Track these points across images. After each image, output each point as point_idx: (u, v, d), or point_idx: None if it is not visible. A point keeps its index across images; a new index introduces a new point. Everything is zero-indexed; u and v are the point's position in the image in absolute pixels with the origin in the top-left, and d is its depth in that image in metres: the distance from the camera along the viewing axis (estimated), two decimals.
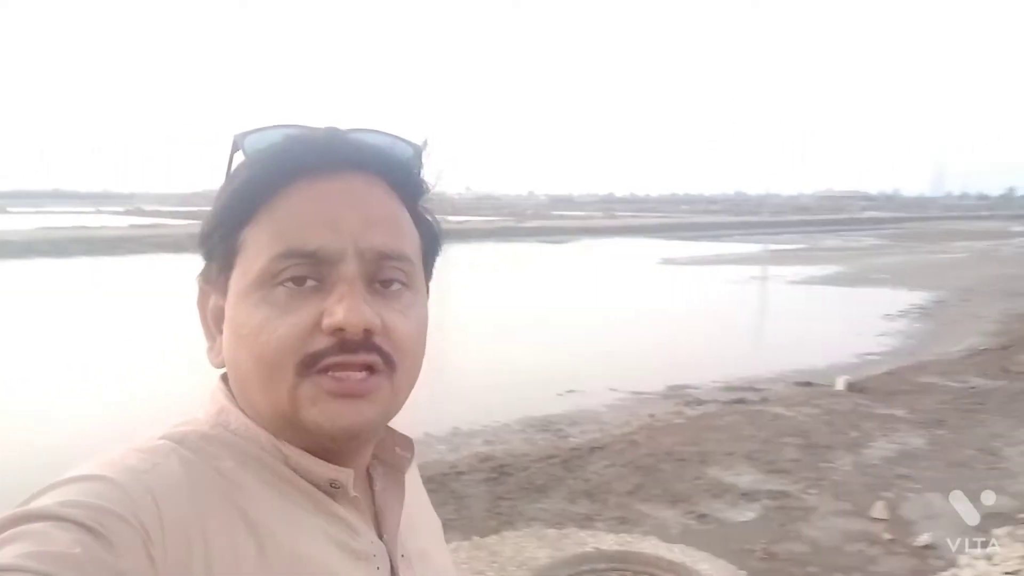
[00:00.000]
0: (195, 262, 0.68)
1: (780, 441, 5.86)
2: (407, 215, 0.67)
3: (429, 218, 0.70)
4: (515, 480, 5.05)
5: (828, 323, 13.88)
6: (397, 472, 0.72)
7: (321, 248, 0.60)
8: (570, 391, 8.32)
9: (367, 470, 0.71)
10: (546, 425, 7.05)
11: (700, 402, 7.71)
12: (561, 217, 59.58)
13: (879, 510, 4.54)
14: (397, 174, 0.67)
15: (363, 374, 0.60)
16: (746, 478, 5.11)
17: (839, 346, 11.20)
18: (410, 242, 0.66)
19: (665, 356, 10.70)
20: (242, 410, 0.64)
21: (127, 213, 60.19)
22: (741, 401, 7.57)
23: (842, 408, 6.89)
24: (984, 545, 4.04)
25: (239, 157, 0.66)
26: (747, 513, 4.57)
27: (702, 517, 4.47)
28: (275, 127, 0.65)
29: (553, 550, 3.89)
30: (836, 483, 5.03)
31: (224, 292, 0.64)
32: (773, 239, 38.37)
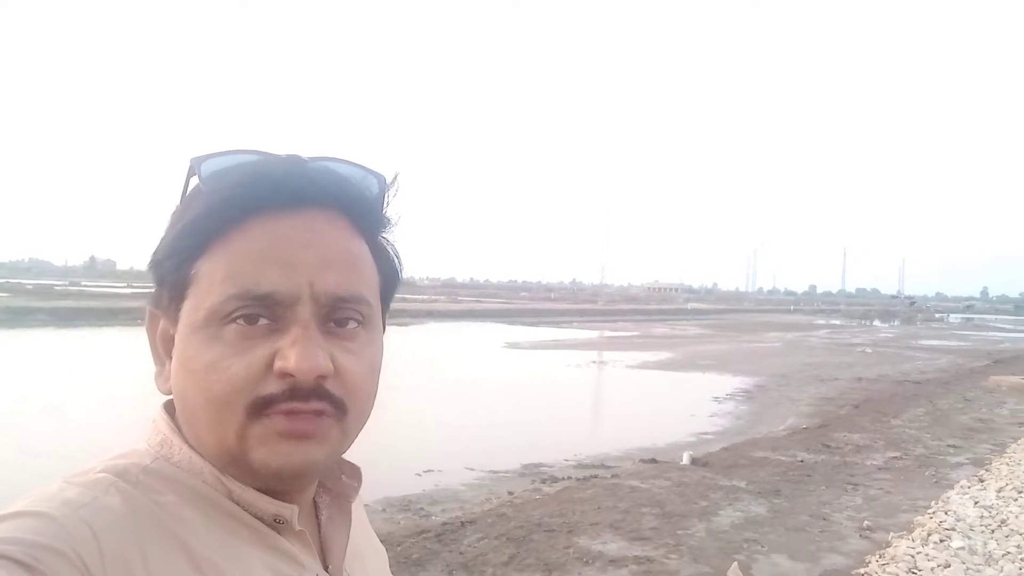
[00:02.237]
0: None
1: (639, 511, 6.15)
2: (366, 250, 0.66)
3: (390, 252, 0.69)
4: (390, 554, 4.98)
5: (665, 405, 14.69)
6: (344, 501, 0.72)
7: (275, 291, 0.59)
8: (428, 471, 8.32)
9: (313, 499, 0.71)
10: (407, 505, 7.00)
11: (556, 479, 7.91)
12: (404, 300, 59.49)
13: (734, 571, 4.86)
14: (357, 208, 0.65)
15: (313, 415, 0.59)
16: (612, 546, 5.33)
17: (677, 426, 11.86)
18: (368, 281, 0.65)
19: (517, 436, 10.90)
20: (185, 441, 0.62)
21: None
22: (594, 476, 7.85)
23: (690, 480, 7.33)
24: None
25: (195, 181, 0.63)
26: None
27: None
28: (233, 152, 0.63)
29: None
30: (693, 547, 5.35)
31: (174, 320, 0.62)
32: (609, 326, 40.21)
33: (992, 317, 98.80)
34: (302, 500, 0.66)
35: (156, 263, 0.63)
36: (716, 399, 14.91)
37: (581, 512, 6.04)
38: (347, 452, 0.67)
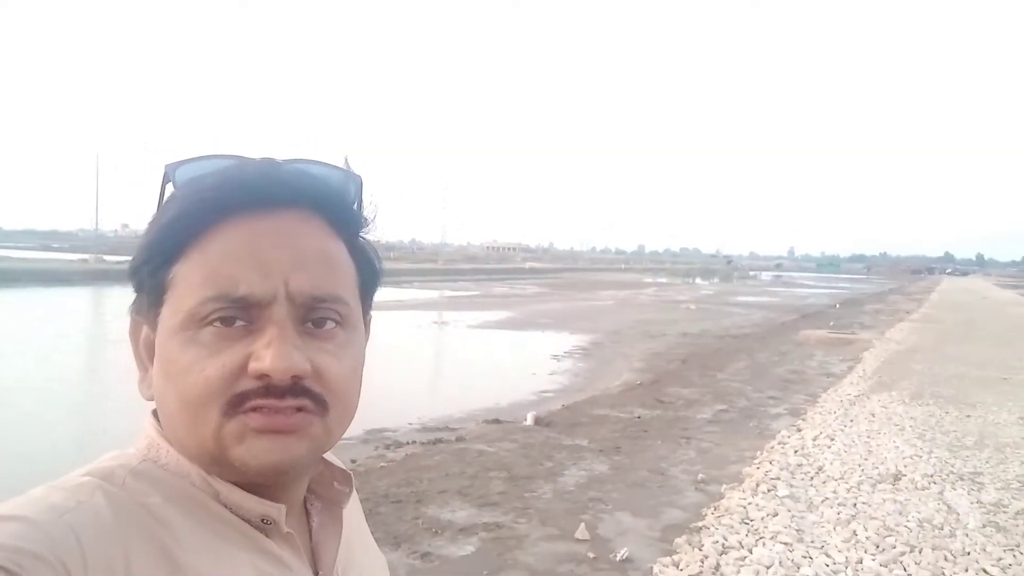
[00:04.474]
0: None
1: (487, 476, 6.13)
2: (344, 251, 0.65)
3: (368, 251, 0.69)
4: None
5: (506, 364, 14.88)
6: (335, 506, 0.71)
7: (250, 293, 0.58)
8: None
9: (305, 505, 0.70)
10: None
11: (400, 444, 7.77)
12: None
13: (581, 531, 4.94)
14: (333, 208, 0.65)
15: (292, 410, 0.59)
16: (461, 513, 5.26)
17: (519, 385, 12.04)
18: (345, 281, 0.64)
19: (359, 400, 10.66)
20: (172, 445, 0.62)
21: None
22: (439, 441, 7.77)
23: (535, 441, 7.41)
24: (670, 553, 4.61)
25: (171, 188, 0.63)
26: (467, 547, 4.70)
27: (425, 556, 4.51)
28: (207, 158, 0.64)
29: None
30: (541, 510, 5.38)
31: (155, 325, 0.62)
32: (449, 285, 40.27)
33: (798, 274, 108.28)
34: (290, 501, 0.65)
35: (134, 269, 0.63)
36: (555, 357, 15.27)
37: (428, 480, 5.94)
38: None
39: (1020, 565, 4.40)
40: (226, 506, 0.61)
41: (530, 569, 4.43)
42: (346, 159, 0.68)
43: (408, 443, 7.75)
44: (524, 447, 7.16)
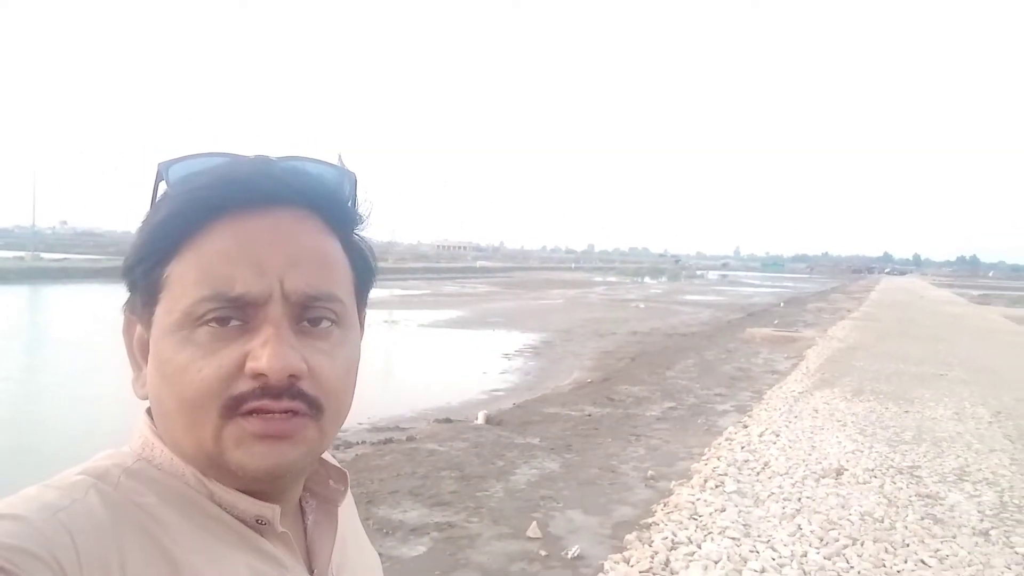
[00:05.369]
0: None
1: (439, 475, 6.10)
2: (339, 248, 0.65)
3: (363, 249, 0.69)
4: None
5: (457, 363, 14.84)
6: (330, 505, 0.71)
7: (246, 292, 0.58)
8: None
9: (300, 503, 0.70)
10: None
11: (350, 444, 7.69)
12: None
13: (533, 530, 4.95)
14: (328, 206, 0.65)
15: (288, 415, 0.59)
16: (413, 513, 5.23)
17: (470, 384, 12.03)
18: (340, 279, 0.64)
19: None
20: (167, 444, 0.62)
21: None
22: (390, 441, 7.71)
23: (486, 440, 7.40)
24: (621, 550, 4.65)
25: (164, 187, 0.63)
26: (418, 547, 4.68)
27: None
28: (200, 156, 0.63)
29: None
30: (493, 509, 5.38)
31: (148, 325, 0.62)
32: (399, 284, 39.99)
33: (744, 274, 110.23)
34: (285, 501, 0.65)
35: (128, 268, 0.63)
36: (506, 356, 15.29)
37: (380, 480, 5.89)
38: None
39: (956, 556, 4.55)
40: (220, 506, 0.61)
41: (482, 568, 4.43)
42: (340, 156, 0.68)
43: (358, 443, 7.68)
44: (475, 446, 7.15)
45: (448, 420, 8.78)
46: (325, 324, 0.62)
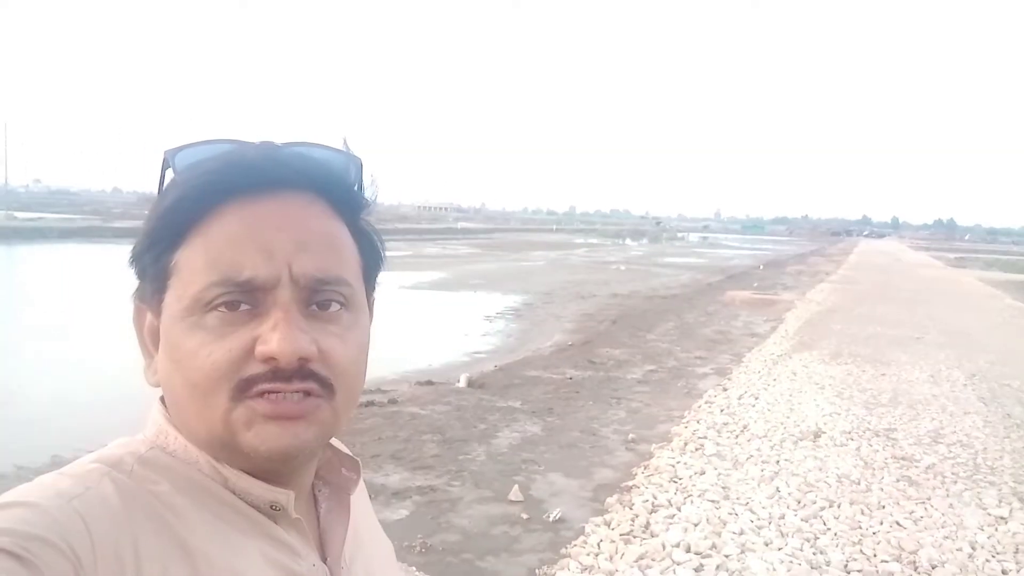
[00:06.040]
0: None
1: (421, 439, 6.11)
2: (346, 232, 0.66)
3: (370, 232, 0.69)
4: None
5: (439, 325, 14.81)
6: (343, 493, 0.72)
7: (254, 277, 0.59)
8: None
9: (313, 491, 0.71)
10: None
11: None
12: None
13: (514, 493, 4.98)
14: (334, 190, 0.65)
15: (299, 395, 0.59)
16: (395, 477, 5.24)
17: (451, 346, 12.03)
18: (348, 262, 0.65)
19: None
20: (180, 431, 0.62)
21: None
22: (372, 403, 7.70)
23: (468, 403, 7.41)
24: (602, 513, 4.69)
25: (171, 174, 0.64)
26: (401, 511, 4.69)
27: None
28: (206, 143, 0.64)
29: None
30: (475, 473, 5.41)
31: (159, 312, 0.62)
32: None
33: (724, 236, 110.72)
34: (299, 487, 0.66)
35: (136, 257, 0.63)
36: (488, 318, 15.28)
37: (361, 444, 5.88)
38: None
39: (931, 518, 4.63)
40: (234, 493, 0.61)
41: (464, 531, 4.45)
42: (344, 141, 0.68)
43: None
44: (457, 409, 7.16)
45: (430, 383, 8.77)
46: (334, 307, 0.62)
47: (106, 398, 7.95)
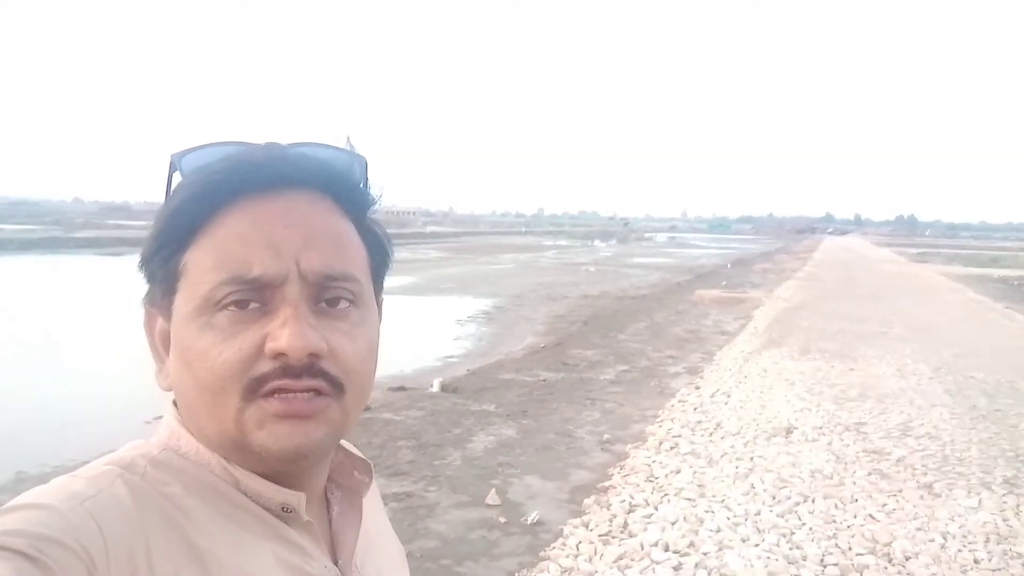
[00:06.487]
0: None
1: (395, 445, 6.06)
2: (353, 230, 0.66)
3: (377, 231, 0.70)
4: None
5: (410, 330, 14.73)
6: (355, 496, 0.72)
7: (263, 274, 0.59)
8: (159, 416, 7.56)
9: (325, 494, 0.71)
10: None
11: None
12: (119, 227, 53.72)
13: (492, 497, 4.96)
14: (341, 189, 0.66)
15: (309, 394, 0.59)
16: None
17: (423, 351, 11.95)
18: (356, 259, 0.65)
19: None
20: (193, 434, 0.63)
21: None
22: None
23: (443, 408, 7.37)
24: (579, 514, 4.69)
25: (178, 178, 0.64)
26: None
27: None
28: (212, 145, 0.64)
29: None
30: (451, 478, 5.38)
31: (169, 315, 0.63)
32: None
33: (691, 236, 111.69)
34: (310, 489, 0.66)
35: (145, 260, 0.64)
36: (459, 322, 15.24)
37: None
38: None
39: (903, 510, 4.70)
40: (246, 494, 0.62)
41: (442, 537, 4.42)
42: (349, 140, 0.69)
43: None
44: (432, 414, 7.12)
45: (403, 388, 8.70)
46: (343, 304, 0.62)
47: (72, 413, 7.82)
